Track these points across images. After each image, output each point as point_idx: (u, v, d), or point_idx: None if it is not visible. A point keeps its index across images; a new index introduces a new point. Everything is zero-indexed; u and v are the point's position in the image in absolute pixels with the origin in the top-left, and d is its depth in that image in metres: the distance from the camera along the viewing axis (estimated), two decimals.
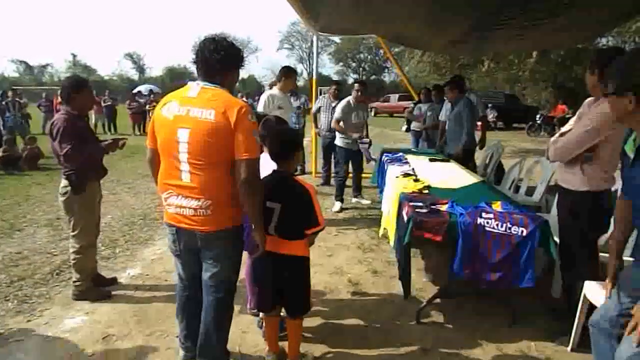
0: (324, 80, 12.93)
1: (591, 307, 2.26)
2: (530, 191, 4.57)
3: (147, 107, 15.07)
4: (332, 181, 6.22)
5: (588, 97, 2.62)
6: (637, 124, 1.67)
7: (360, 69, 49.44)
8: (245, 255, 2.29)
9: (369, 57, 48.45)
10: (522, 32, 5.14)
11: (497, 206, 2.74)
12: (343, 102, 5.44)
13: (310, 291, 2.38)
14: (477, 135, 5.45)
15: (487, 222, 2.55)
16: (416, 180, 3.53)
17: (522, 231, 2.50)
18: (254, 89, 28.71)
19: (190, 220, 1.98)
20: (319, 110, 6.52)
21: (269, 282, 2.28)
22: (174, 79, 39.83)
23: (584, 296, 2.43)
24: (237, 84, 2.18)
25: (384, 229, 3.59)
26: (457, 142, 5.01)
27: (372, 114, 26.80)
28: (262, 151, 2.10)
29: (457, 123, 5.01)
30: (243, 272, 2.30)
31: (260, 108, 4.62)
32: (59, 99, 3.46)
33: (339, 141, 5.55)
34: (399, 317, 2.95)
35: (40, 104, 15.04)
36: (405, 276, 2.93)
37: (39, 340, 2.65)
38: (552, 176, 3.88)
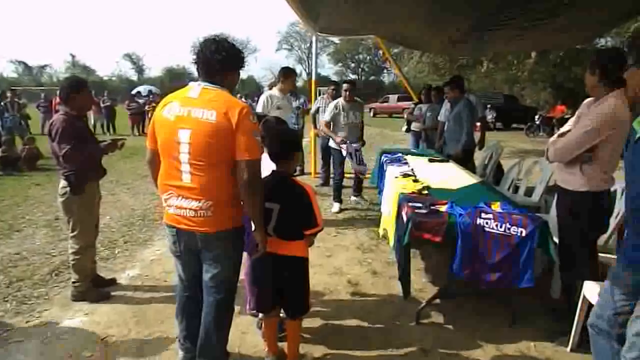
0: (323, 80, 12.87)
1: (591, 307, 2.26)
2: (529, 192, 4.57)
3: (146, 107, 15.06)
4: (331, 182, 6.21)
5: (587, 97, 2.62)
6: None
7: (359, 69, 49.54)
8: (244, 256, 2.29)
9: (367, 57, 48.58)
10: (522, 32, 5.15)
11: (497, 207, 2.74)
12: (332, 103, 5.35)
13: (310, 292, 2.38)
14: (477, 136, 5.44)
15: (487, 223, 2.55)
16: (415, 181, 3.53)
17: (522, 231, 2.50)
18: (253, 89, 28.65)
19: (190, 221, 1.97)
20: (317, 110, 6.52)
21: (269, 282, 2.28)
22: (173, 79, 39.85)
23: (584, 296, 2.43)
24: (237, 84, 2.17)
25: (384, 229, 3.59)
26: (456, 142, 5.00)
27: (371, 114, 26.79)
28: (262, 152, 2.09)
29: (457, 124, 5.00)
30: (242, 273, 2.30)
31: (259, 108, 4.62)
32: (58, 100, 3.44)
33: (333, 143, 5.39)
34: (398, 317, 2.95)
35: (39, 105, 15.00)
36: (404, 277, 2.92)
37: (38, 341, 2.64)
38: (551, 177, 3.88)
